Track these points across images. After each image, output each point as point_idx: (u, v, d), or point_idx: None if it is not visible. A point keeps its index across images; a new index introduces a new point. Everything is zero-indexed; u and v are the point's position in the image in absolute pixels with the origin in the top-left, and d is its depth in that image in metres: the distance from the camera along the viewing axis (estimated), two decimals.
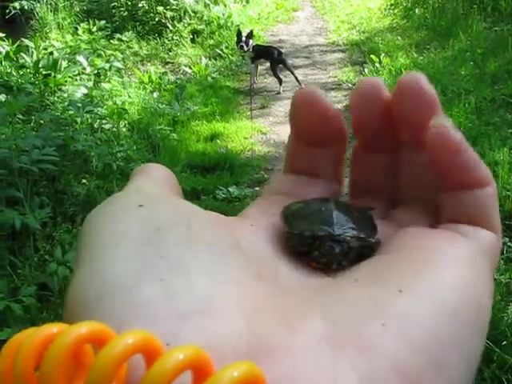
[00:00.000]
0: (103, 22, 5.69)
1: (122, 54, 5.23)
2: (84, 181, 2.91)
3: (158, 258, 0.22)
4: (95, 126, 3.37)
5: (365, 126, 0.28)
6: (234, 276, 0.23)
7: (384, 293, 0.21)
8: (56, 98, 3.52)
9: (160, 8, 6.00)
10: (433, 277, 0.22)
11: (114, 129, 3.49)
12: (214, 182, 3.17)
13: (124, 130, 3.60)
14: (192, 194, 3.02)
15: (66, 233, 2.49)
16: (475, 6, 5.71)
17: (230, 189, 3.06)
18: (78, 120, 3.21)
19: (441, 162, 0.25)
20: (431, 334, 0.20)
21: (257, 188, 3.17)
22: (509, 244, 2.35)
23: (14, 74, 3.68)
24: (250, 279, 0.23)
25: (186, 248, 0.22)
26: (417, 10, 6.40)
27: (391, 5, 6.93)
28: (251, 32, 4.70)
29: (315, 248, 0.26)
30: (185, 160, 3.39)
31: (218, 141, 3.78)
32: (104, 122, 3.47)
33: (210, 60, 5.51)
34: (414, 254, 0.24)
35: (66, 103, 3.33)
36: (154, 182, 0.27)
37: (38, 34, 5.42)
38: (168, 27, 5.98)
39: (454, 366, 0.21)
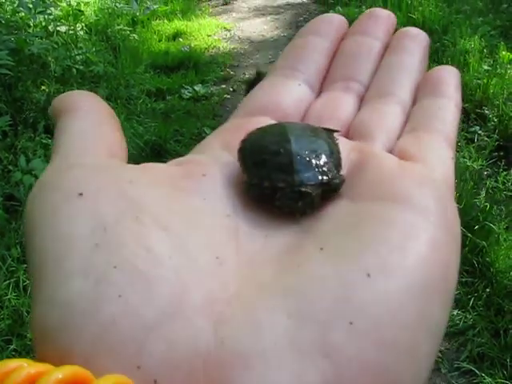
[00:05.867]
0: None
1: None
2: (43, 87, 2.77)
3: (111, 269, 0.20)
4: (50, 28, 3.18)
5: None
6: (193, 269, 0.22)
7: (351, 276, 0.21)
8: (3, 0, 3.30)
9: None
10: (402, 245, 0.22)
11: (71, 31, 3.30)
12: (179, 81, 3.07)
13: (81, 32, 3.41)
14: (157, 95, 2.93)
15: (28, 141, 2.40)
16: None
17: (196, 87, 2.97)
18: (31, 23, 3.02)
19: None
20: (401, 323, 0.20)
21: (223, 86, 3.09)
22: (479, 132, 2.40)
23: None
24: (212, 266, 0.22)
25: (137, 248, 0.21)
26: None
27: None
28: None
29: (277, 198, 0.25)
30: (147, 60, 3.26)
31: (181, 39, 3.64)
32: (59, 24, 3.27)
33: None
34: (380, 212, 0.23)
35: (16, 4, 3.12)
36: (88, 138, 0.26)
37: None
38: None
39: (425, 346, 0.21)
